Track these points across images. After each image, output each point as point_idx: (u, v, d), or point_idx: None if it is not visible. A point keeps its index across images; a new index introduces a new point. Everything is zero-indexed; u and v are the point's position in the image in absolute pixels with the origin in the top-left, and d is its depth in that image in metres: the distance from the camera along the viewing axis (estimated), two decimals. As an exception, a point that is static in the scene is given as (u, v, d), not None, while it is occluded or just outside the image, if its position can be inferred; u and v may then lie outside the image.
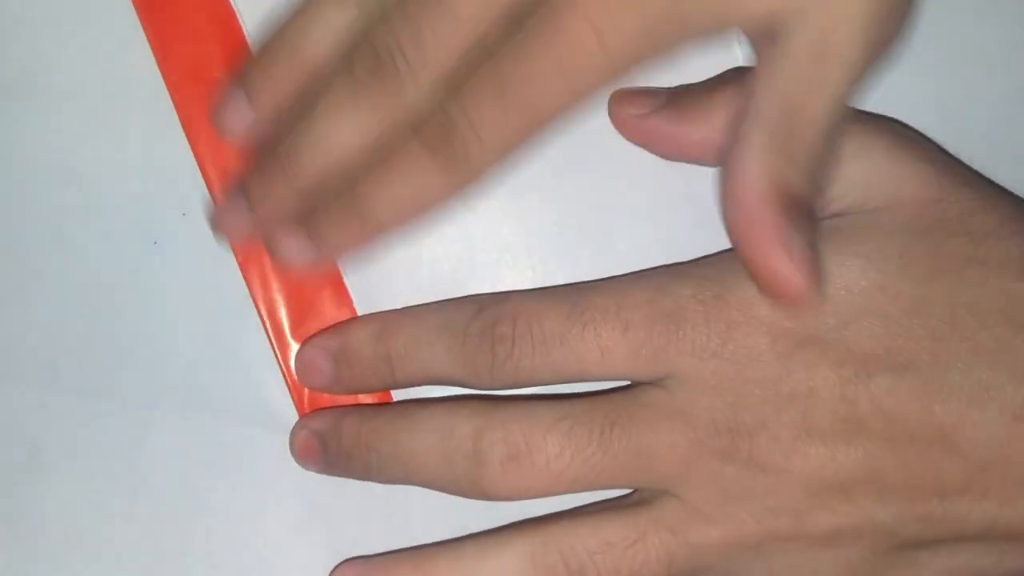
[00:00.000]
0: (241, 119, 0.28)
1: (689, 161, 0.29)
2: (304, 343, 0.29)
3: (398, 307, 0.29)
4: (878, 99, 0.29)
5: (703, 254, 0.29)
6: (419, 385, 0.28)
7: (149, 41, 0.29)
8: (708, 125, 0.27)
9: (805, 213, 0.25)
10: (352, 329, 0.29)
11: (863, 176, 0.26)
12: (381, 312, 0.29)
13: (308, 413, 0.29)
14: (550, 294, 0.27)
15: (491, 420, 0.26)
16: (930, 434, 0.25)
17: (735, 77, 0.28)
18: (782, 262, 0.24)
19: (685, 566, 0.26)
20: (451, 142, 0.25)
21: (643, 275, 0.28)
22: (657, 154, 0.29)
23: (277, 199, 0.27)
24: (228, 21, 0.29)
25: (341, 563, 0.29)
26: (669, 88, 0.29)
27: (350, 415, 0.29)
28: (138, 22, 0.29)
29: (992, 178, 0.29)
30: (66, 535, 0.30)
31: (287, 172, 0.27)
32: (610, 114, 0.29)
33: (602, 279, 0.28)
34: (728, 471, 0.25)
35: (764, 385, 0.25)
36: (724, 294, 0.25)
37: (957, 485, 0.25)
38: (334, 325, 0.29)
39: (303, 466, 0.29)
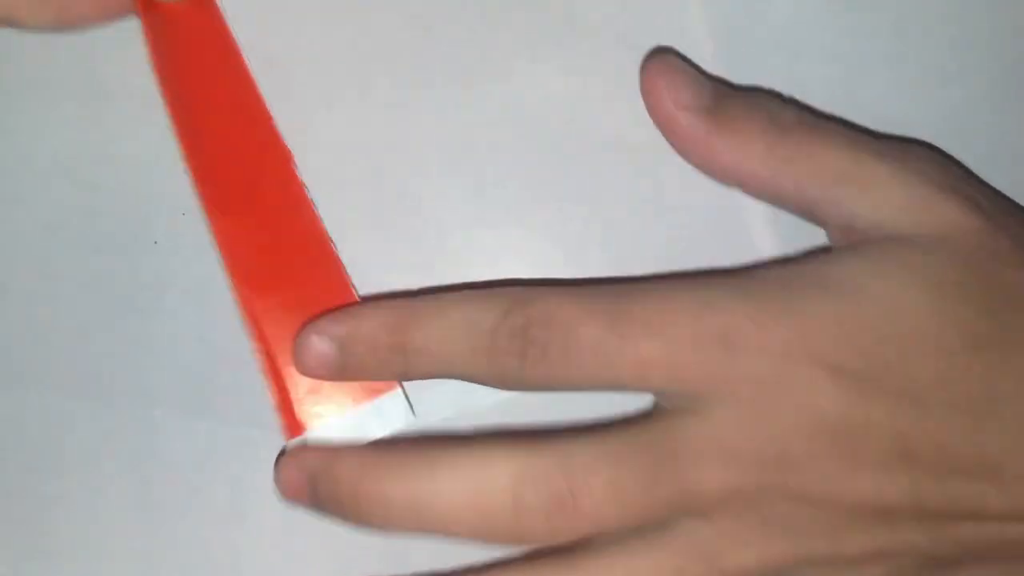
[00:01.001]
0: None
1: (703, 172, 0.28)
2: (305, 326, 0.27)
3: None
4: (878, 99, 0.29)
5: (712, 252, 0.28)
6: (432, 378, 0.27)
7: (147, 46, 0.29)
8: (740, 154, 0.26)
9: None
10: (363, 316, 0.27)
11: (906, 202, 0.26)
12: (395, 300, 0.27)
13: (298, 446, 0.27)
14: (588, 297, 0.25)
15: (529, 466, 0.25)
16: (978, 467, 0.25)
17: (780, 115, 0.27)
18: None
19: None
20: None
21: (691, 284, 0.26)
22: (678, 152, 0.28)
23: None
24: (222, 34, 0.29)
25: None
26: (718, 87, 0.28)
27: (349, 456, 0.26)
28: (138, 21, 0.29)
29: (991, 178, 0.29)
30: (66, 535, 0.30)
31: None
32: (644, 88, 0.27)
33: (645, 281, 0.27)
34: (770, 501, 0.25)
35: (816, 417, 0.24)
36: (780, 318, 0.24)
37: (997, 511, 0.25)
38: (338, 310, 0.27)
39: (287, 503, 0.27)
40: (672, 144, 0.28)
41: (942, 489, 0.25)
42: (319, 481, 0.26)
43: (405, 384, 0.28)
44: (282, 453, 0.28)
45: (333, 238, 0.29)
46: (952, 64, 0.29)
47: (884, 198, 0.26)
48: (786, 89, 0.29)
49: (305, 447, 0.27)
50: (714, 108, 0.27)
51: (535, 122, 0.29)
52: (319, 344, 0.26)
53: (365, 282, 0.29)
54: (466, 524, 0.25)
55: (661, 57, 0.27)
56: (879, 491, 0.25)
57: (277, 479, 0.27)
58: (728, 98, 0.27)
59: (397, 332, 0.26)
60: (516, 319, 0.25)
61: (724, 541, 0.25)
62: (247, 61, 0.29)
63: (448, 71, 0.29)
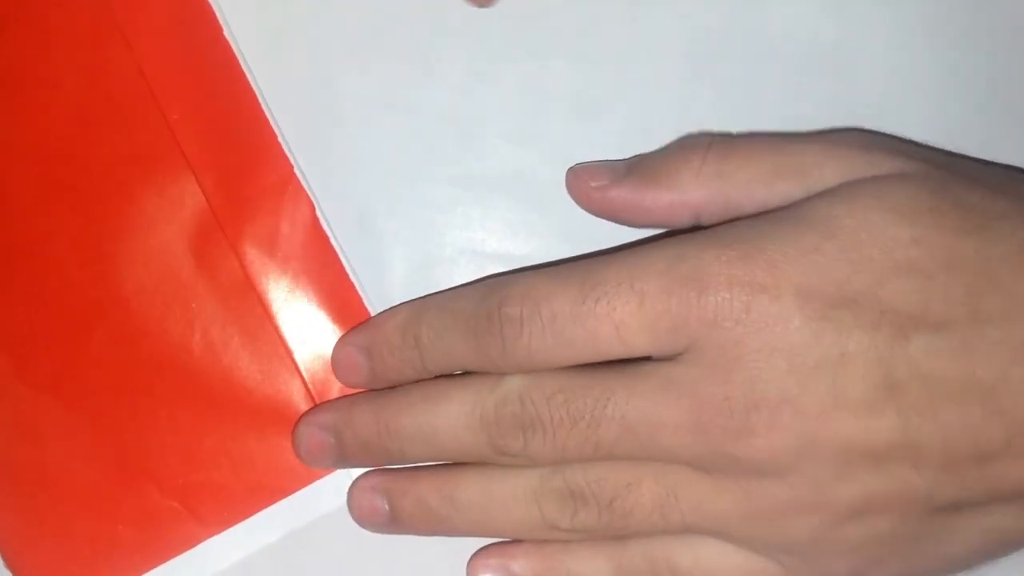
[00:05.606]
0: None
1: (658, 227, 0.28)
2: (338, 342, 0.28)
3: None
4: (880, 96, 0.29)
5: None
6: (449, 372, 0.27)
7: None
8: (675, 190, 0.27)
9: None
10: (381, 322, 0.28)
11: (850, 164, 0.26)
12: (409, 301, 0.28)
13: (310, 409, 0.28)
14: (561, 271, 0.26)
15: (501, 389, 0.26)
16: (971, 395, 0.23)
17: (693, 143, 0.28)
18: None
19: (681, 525, 0.25)
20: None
21: (660, 243, 0.26)
22: (624, 223, 0.28)
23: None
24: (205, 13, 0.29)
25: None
26: (625, 160, 0.29)
27: (361, 403, 0.28)
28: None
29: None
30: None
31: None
32: (569, 189, 0.28)
33: (615, 250, 0.27)
34: (742, 448, 0.24)
35: (791, 354, 0.23)
36: (750, 253, 0.24)
37: (996, 447, 0.23)
38: (366, 321, 0.29)
39: (311, 464, 0.28)
40: (614, 219, 0.28)
41: (934, 424, 0.23)
42: (342, 432, 0.27)
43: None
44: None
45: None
46: (948, 67, 0.30)
47: (830, 171, 0.26)
48: (784, 95, 0.29)
49: (317, 409, 0.28)
50: (634, 170, 0.28)
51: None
52: (350, 355, 0.28)
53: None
54: (459, 443, 0.26)
55: (572, 169, 0.29)
56: (865, 431, 0.23)
57: (299, 443, 0.28)
58: (644, 158, 0.28)
59: (408, 330, 0.27)
60: (492, 300, 0.26)
61: (695, 482, 0.25)
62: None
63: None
